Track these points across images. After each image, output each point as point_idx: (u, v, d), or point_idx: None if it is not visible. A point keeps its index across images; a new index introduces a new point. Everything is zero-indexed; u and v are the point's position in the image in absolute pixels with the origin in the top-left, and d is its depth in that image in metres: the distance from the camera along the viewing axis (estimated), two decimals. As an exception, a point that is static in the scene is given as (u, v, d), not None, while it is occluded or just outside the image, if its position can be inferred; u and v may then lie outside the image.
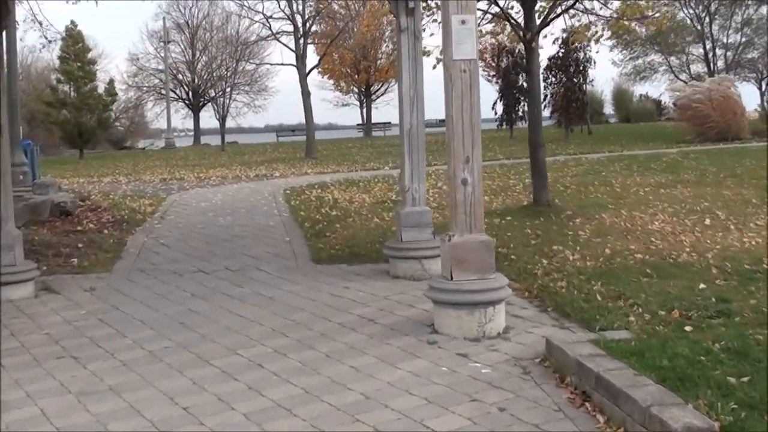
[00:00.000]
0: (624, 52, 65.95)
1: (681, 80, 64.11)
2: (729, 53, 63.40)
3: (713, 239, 9.97)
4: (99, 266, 10.12)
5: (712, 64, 62.48)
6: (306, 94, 34.57)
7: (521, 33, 12.39)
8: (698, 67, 64.40)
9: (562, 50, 37.73)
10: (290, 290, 8.59)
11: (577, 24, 12.62)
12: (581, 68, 38.19)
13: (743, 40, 62.80)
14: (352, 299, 8.08)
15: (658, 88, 70.20)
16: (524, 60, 40.56)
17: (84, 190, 18.94)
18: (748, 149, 24.96)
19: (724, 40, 63.71)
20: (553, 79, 38.34)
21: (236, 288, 8.80)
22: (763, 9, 59.91)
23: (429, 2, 12.02)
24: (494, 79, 64.34)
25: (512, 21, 12.45)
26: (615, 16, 12.03)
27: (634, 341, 5.83)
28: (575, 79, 37.98)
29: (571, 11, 12.32)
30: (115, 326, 7.34)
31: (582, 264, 8.86)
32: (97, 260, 10.40)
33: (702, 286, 7.58)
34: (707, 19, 60.14)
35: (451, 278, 6.70)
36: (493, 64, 63.95)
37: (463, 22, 6.69)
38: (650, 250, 9.40)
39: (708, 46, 63.46)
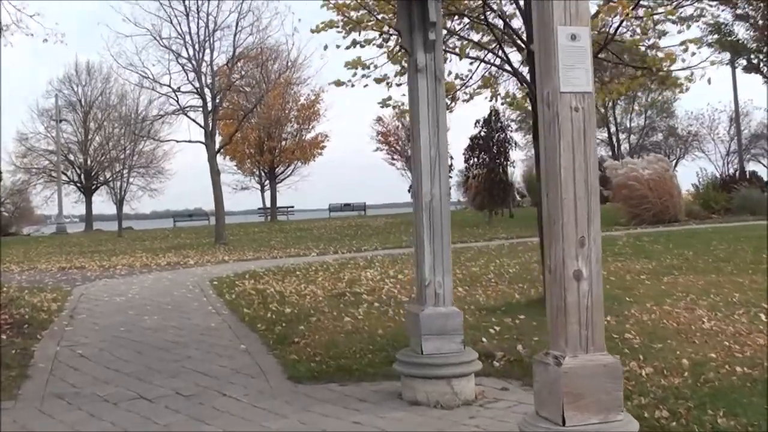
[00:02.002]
0: (527, 136, 65.60)
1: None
2: (633, 136, 63.63)
3: (798, 342, 7.90)
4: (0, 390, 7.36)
5: (616, 148, 62.53)
6: (216, 173, 32.06)
7: (533, 93, 10.40)
8: (602, 150, 64.39)
9: (484, 131, 36.33)
10: (280, 429, 6.03)
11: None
12: (502, 149, 36.62)
13: (647, 123, 63.24)
14: (377, 444, 5.61)
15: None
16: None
17: (-31, 282, 16.00)
18: (699, 231, 23.43)
19: (628, 124, 64.06)
20: (475, 160, 36.62)
21: (200, 425, 6.17)
22: (666, 93, 60.50)
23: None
24: (400, 161, 63.16)
25: (526, 81, 10.44)
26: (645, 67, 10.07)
27: None
28: (498, 160, 36.36)
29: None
30: (30, 503, 4.71)
31: (665, 381, 6.59)
32: (-4, 382, 7.62)
33: None
34: (610, 102, 60.09)
35: (563, 423, 4.35)
36: (398, 148, 62.81)
37: (573, 36, 4.49)
38: (738, 359, 7.21)
39: (612, 129, 63.66)
